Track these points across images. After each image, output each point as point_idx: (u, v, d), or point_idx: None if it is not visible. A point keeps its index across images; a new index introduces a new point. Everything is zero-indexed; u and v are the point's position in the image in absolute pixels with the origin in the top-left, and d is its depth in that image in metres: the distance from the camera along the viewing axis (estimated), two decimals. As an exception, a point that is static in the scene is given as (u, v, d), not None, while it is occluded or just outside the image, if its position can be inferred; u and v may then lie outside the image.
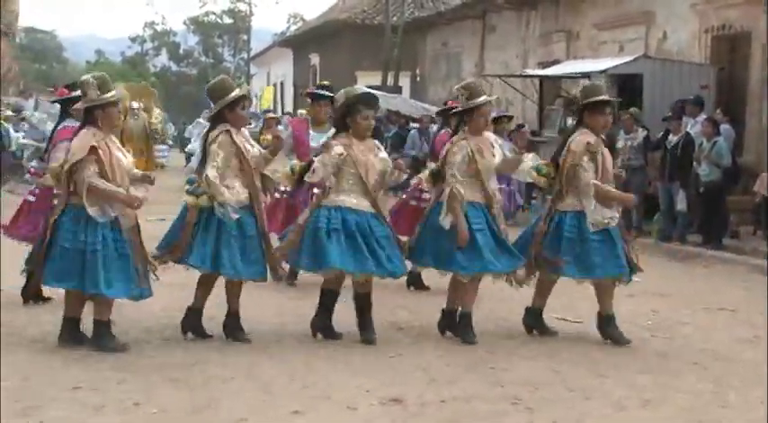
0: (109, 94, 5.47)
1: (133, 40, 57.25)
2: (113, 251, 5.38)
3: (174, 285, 7.62)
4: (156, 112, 18.06)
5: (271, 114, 16.12)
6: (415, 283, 7.76)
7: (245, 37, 50.32)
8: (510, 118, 12.41)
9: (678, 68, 13.16)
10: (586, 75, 14.68)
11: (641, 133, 12.11)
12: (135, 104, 16.93)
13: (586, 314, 6.55)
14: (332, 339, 5.90)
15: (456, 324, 6.07)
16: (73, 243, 5.37)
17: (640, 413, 4.70)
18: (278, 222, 7.24)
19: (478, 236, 5.86)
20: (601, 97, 6.09)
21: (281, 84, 35.24)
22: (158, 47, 57.48)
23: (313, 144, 7.40)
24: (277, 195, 7.50)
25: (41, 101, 17.56)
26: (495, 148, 6.09)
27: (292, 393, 4.81)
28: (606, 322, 6.13)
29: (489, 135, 6.19)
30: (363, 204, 5.80)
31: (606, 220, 5.93)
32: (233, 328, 5.87)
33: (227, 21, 55.70)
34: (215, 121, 5.82)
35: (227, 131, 5.74)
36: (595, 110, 6.06)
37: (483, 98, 6.05)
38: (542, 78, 16.45)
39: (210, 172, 5.61)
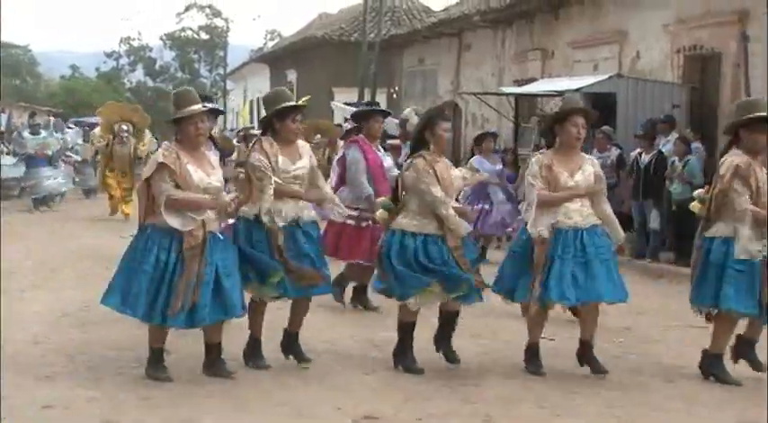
0: (183, 110, 5.26)
1: (109, 55, 57.04)
2: (167, 275, 5.12)
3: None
4: (148, 137, 16.67)
5: (252, 131, 15.65)
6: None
7: (222, 53, 50.30)
8: (495, 136, 12.50)
9: (651, 87, 13.31)
10: (561, 93, 14.80)
11: (614, 152, 12.23)
12: (125, 128, 15.43)
13: (558, 332, 6.59)
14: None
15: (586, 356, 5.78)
16: (130, 263, 5.22)
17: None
18: (365, 250, 7.13)
19: (557, 263, 5.53)
20: (761, 114, 5.58)
21: (258, 99, 35.25)
22: (134, 62, 57.31)
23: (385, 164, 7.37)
24: (363, 224, 7.32)
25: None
26: (581, 171, 5.68)
27: (266, 411, 4.81)
28: (713, 359, 5.74)
29: (581, 156, 5.80)
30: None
31: (758, 250, 5.50)
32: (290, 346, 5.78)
33: (204, 36, 55.68)
34: (265, 131, 5.73)
35: (259, 140, 5.62)
36: (754, 128, 5.57)
37: (571, 107, 5.70)
38: (518, 96, 16.58)
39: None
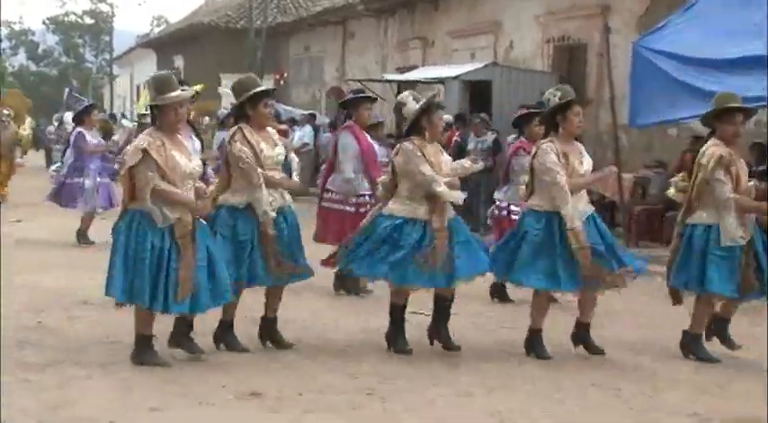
0: (165, 96, 5.08)
1: (-11, 38, 54.50)
2: (164, 261, 4.99)
3: (26, 287, 7.35)
4: (28, 120, 16.42)
5: (146, 118, 15.37)
6: (500, 294, 7.47)
7: (108, 38, 48.77)
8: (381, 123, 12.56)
9: (523, 76, 13.65)
10: (441, 80, 15.04)
11: (491, 136, 12.49)
12: (6, 111, 15.16)
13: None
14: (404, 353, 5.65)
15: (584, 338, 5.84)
16: (126, 251, 5.03)
17: (485, 399, 4.84)
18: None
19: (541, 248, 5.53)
20: (731, 105, 5.71)
21: (145, 85, 34.40)
22: (15, 46, 54.97)
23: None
24: (362, 210, 7.08)
25: None
26: (585, 158, 5.74)
27: (150, 390, 4.71)
28: (693, 339, 5.85)
29: (578, 144, 5.82)
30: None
31: (741, 237, 5.62)
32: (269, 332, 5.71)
33: (89, 21, 53.85)
34: (238, 119, 5.55)
35: (240, 129, 5.43)
36: (724, 119, 5.71)
37: (571, 97, 5.69)
38: (400, 83, 16.71)
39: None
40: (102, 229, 10.33)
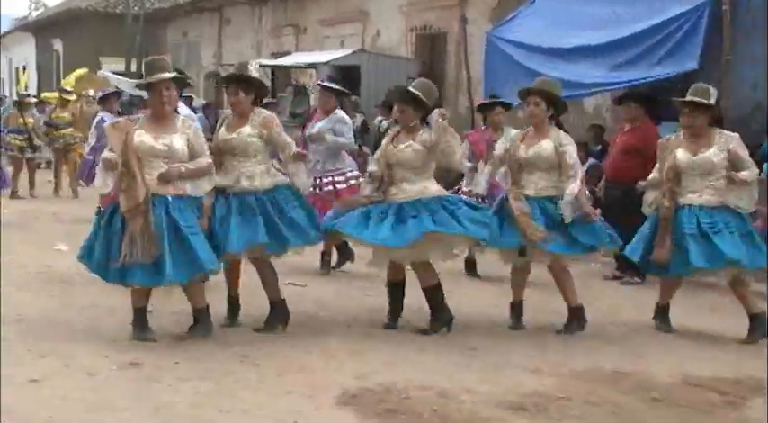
0: (150, 76, 5.07)
1: None
2: (115, 235, 4.96)
3: None
4: None
5: (29, 98, 14.60)
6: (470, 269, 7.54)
7: (-15, 20, 45.99)
8: (276, 105, 12.52)
9: (389, 62, 13.77)
10: (312, 65, 14.98)
11: (359, 118, 12.57)
12: None
13: (308, 279, 6.74)
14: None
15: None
16: (98, 228, 5.08)
17: (352, 362, 4.88)
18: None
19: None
20: (687, 99, 5.71)
21: (24, 68, 32.72)
22: None
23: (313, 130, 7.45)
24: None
25: None
26: (539, 145, 5.72)
27: (30, 363, 4.57)
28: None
29: (552, 132, 5.70)
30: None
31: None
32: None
33: (-35, 4, 50.61)
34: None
35: (224, 119, 5.55)
36: (681, 110, 5.72)
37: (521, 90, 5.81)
38: (274, 68, 16.57)
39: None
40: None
